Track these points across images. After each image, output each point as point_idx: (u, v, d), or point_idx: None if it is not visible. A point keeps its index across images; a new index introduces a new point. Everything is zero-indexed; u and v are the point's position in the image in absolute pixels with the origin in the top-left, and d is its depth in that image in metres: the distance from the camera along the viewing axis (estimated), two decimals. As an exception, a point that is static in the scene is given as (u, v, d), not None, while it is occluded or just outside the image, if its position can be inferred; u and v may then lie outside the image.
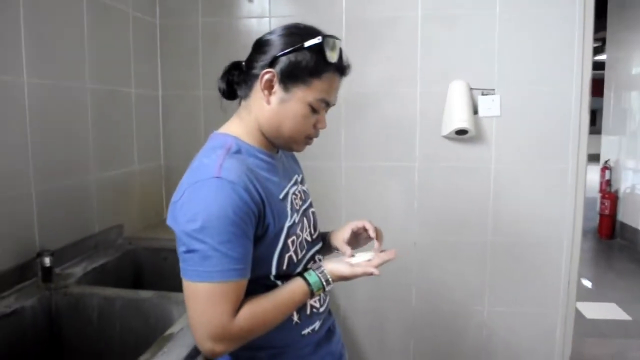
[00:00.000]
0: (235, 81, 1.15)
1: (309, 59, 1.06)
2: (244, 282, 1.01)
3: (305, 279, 1.10)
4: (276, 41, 1.09)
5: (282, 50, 1.07)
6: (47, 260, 1.48)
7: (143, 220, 2.26)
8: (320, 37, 1.07)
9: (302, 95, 1.08)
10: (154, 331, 1.37)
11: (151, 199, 2.33)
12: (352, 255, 1.19)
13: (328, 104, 1.13)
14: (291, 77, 1.07)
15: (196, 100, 2.39)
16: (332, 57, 1.08)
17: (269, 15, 2.31)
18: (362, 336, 2.43)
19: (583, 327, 3.73)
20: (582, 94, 2.16)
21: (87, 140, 1.88)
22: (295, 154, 1.35)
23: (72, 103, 1.80)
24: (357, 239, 1.32)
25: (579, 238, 2.26)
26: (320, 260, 1.27)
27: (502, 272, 2.31)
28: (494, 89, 2.20)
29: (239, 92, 1.16)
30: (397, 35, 2.24)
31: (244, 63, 1.15)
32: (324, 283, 1.11)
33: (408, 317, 2.39)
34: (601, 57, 7.33)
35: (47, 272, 1.50)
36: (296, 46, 1.06)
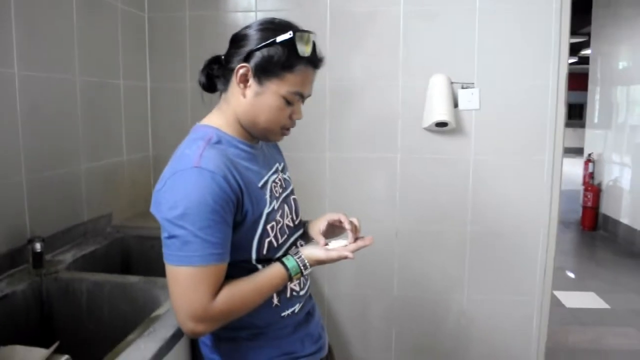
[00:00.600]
0: (215, 74, 1.20)
1: (281, 54, 1.11)
2: (223, 266, 1.06)
3: (283, 263, 1.15)
4: (251, 36, 1.14)
5: (256, 45, 1.11)
6: (38, 246, 1.53)
7: (131, 209, 2.31)
8: (291, 32, 1.11)
9: (275, 89, 1.13)
10: (142, 314, 1.43)
11: (139, 189, 2.37)
12: (327, 244, 1.24)
13: (302, 96, 1.18)
14: (265, 71, 1.12)
15: (183, 92, 2.44)
16: (305, 51, 1.12)
17: (255, 9, 2.36)
18: (345, 323, 2.50)
19: (563, 315, 3.84)
20: (558, 87, 2.23)
21: (76, 130, 1.92)
22: (280, 144, 1.41)
23: (62, 94, 1.84)
24: (333, 230, 1.38)
25: (555, 228, 2.33)
26: (301, 245, 1.33)
27: (481, 261, 2.38)
28: (473, 83, 2.26)
29: (219, 86, 1.21)
30: (380, 30, 2.29)
31: (223, 57, 1.20)
32: (302, 268, 1.16)
33: (390, 305, 2.46)
34: (587, 52, 7.43)
35: (38, 258, 1.55)
36: (269, 41, 1.11)
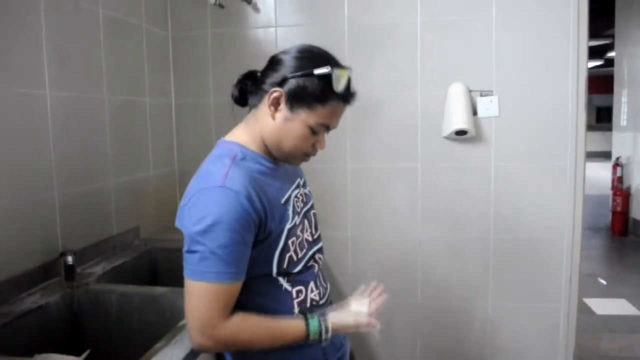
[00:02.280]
0: (248, 90, 1.23)
1: (315, 86, 1.13)
2: (236, 286, 1.10)
3: (307, 320, 1.19)
4: (288, 62, 1.16)
5: (292, 73, 1.14)
6: (69, 259, 1.59)
7: (158, 222, 2.37)
8: (329, 67, 1.13)
9: (304, 118, 1.16)
10: (169, 323, 1.48)
11: (166, 203, 2.44)
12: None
13: (328, 128, 1.21)
14: (297, 99, 1.14)
15: (207, 108, 2.50)
16: (339, 87, 1.14)
17: (275, 25, 2.42)
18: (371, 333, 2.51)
19: (593, 323, 3.78)
20: (578, 91, 2.22)
21: (105, 147, 1.99)
22: None
23: (91, 113, 1.92)
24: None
25: (579, 233, 2.31)
26: (320, 259, 1.36)
27: (505, 268, 2.37)
28: (492, 90, 2.27)
29: (250, 101, 1.24)
30: (398, 41, 2.33)
31: (259, 73, 1.23)
32: (322, 331, 1.19)
33: (414, 313, 2.47)
34: (612, 54, 7.32)
35: (70, 271, 1.61)
36: (306, 71, 1.13)
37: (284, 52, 1.20)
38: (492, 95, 2.27)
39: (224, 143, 1.24)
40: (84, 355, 1.07)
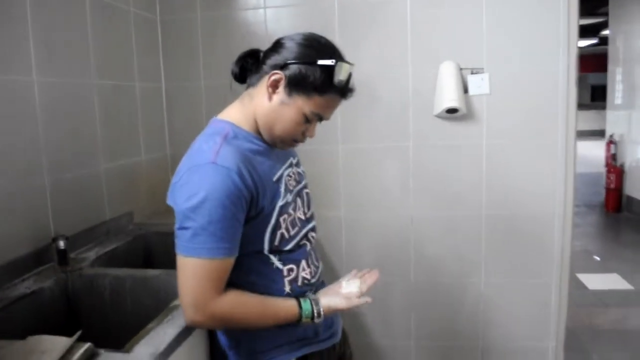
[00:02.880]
0: (249, 68, 1.24)
1: (317, 76, 1.14)
2: (229, 261, 1.12)
3: (299, 303, 1.21)
4: (293, 48, 1.17)
5: (296, 59, 1.15)
6: (61, 244, 1.60)
7: (151, 207, 2.38)
8: (333, 60, 1.14)
9: (301, 105, 1.17)
10: (163, 304, 1.48)
11: (158, 187, 2.44)
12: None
13: (322, 119, 1.22)
14: (296, 85, 1.15)
15: (198, 91, 2.49)
16: (340, 81, 1.15)
17: (264, 6, 2.40)
18: (365, 311, 2.54)
19: (586, 297, 3.83)
20: (569, 69, 2.22)
21: (95, 132, 1.99)
22: None
23: (80, 98, 1.91)
24: None
25: (571, 210, 2.32)
26: (313, 237, 1.37)
27: (497, 245, 2.39)
28: (483, 68, 2.27)
29: (249, 79, 1.25)
30: (388, 20, 2.31)
31: (261, 53, 1.24)
32: (315, 314, 1.22)
33: (408, 291, 2.49)
34: (607, 33, 7.30)
35: (63, 256, 1.61)
36: (310, 60, 1.14)
37: (289, 37, 1.20)
38: (483, 73, 2.27)
39: (216, 122, 1.24)
40: (76, 335, 1.08)
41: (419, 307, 2.50)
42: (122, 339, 1.18)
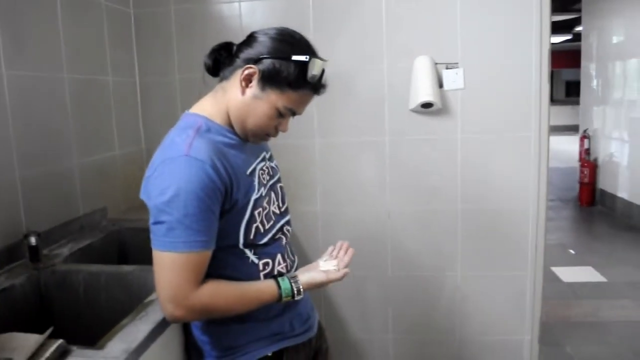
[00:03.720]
0: (222, 61, 1.23)
1: (291, 71, 1.14)
2: (206, 254, 1.11)
3: (277, 282, 1.20)
4: (267, 42, 1.16)
5: (270, 54, 1.14)
6: (33, 240, 1.57)
7: (126, 202, 2.35)
8: (307, 57, 1.14)
9: (274, 100, 1.16)
10: (137, 300, 1.47)
11: (133, 182, 2.38)
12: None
13: (295, 113, 1.22)
14: (270, 80, 1.15)
15: (173, 85, 2.47)
16: (314, 77, 1.15)
17: (238, 0, 2.38)
18: (342, 305, 2.55)
19: (560, 290, 3.90)
20: (542, 64, 2.25)
21: (68, 127, 1.96)
22: None
23: (51, 93, 1.87)
24: None
25: (544, 203, 2.36)
26: (289, 231, 1.37)
27: (473, 238, 2.42)
28: (457, 63, 2.29)
29: (221, 72, 1.24)
30: (363, 14, 2.31)
31: (234, 46, 1.23)
32: (295, 292, 1.22)
33: (385, 285, 2.50)
34: (580, 29, 7.41)
35: (35, 252, 1.59)
36: (283, 55, 1.14)
37: (263, 32, 1.20)
38: (457, 67, 2.29)
39: (189, 115, 1.23)
40: (47, 332, 1.07)
41: (396, 301, 2.51)
42: (96, 336, 1.17)
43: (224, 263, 1.19)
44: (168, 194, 1.06)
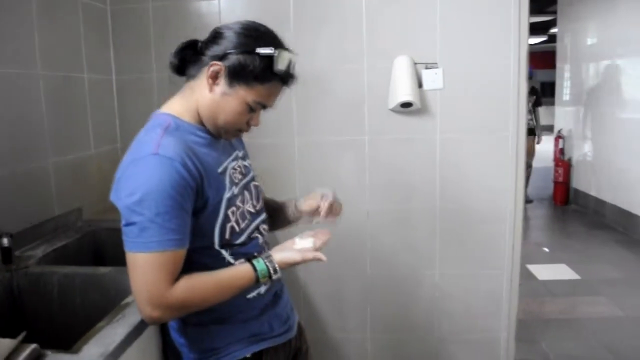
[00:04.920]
0: (188, 59, 1.21)
1: (257, 65, 1.13)
2: (181, 252, 1.09)
3: (252, 265, 1.17)
4: (231, 37, 1.15)
5: (235, 49, 1.13)
6: (5, 241, 1.53)
7: (102, 202, 2.30)
8: (272, 49, 1.13)
9: (243, 95, 1.15)
10: (114, 303, 1.44)
11: (109, 182, 2.34)
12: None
13: (265, 107, 1.21)
14: (237, 75, 1.14)
15: (149, 83, 2.43)
16: (281, 69, 1.14)
17: (217, -3, 2.36)
18: (322, 305, 2.54)
19: (535, 288, 3.95)
20: (520, 65, 2.27)
21: (42, 126, 1.91)
22: (249, 131, 1.44)
23: (25, 90, 1.83)
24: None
25: (522, 202, 2.38)
26: (265, 230, 1.36)
27: (451, 237, 2.43)
28: (436, 63, 2.30)
29: (188, 71, 1.22)
30: (344, 13, 2.31)
31: (200, 44, 1.20)
32: (271, 271, 1.18)
33: (364, 284, 2.50)
34: (555, 31, 7.52)
35: (7, 254, 1.55)
36: (248, 49, 1.13)
37: (227, 27, 1.18)
38: (436, 67, 2.30)
39: (157, 115, 1.22)
40: (20, 337, 1.04)
41: (375, 298, 2.52)
42: (72, 340, 1.14)
43: (200, 265, 1.16)
44: (138, 194, 1.04)
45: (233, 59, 1.13)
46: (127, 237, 1.06)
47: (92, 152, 2.26)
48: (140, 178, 1.05)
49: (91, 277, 1.54)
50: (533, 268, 4.32)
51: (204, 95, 1.17)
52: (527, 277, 4.09)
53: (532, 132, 6.20)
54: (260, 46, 1.13)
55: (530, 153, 6.19)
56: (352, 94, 2.35)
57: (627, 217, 5.37)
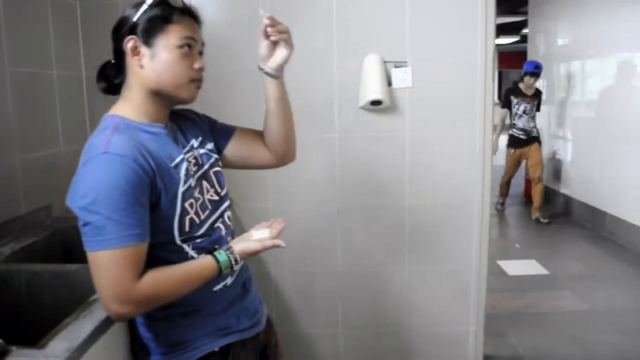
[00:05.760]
0: (112, 75, 1.25)
1: (156, 12, 1.17)
2: (142, 247, 1.10)
3: (215, 257, 1.19)
4: (126, 14, 1.20)
5: (132, 14, 1.18)
6: (-30, 239, 1.52)
7: (72, 200, 2.29)
8: None
9: (165, 43, 1.18)
10: (82, 299, 1.44)
11: (80, 179, 2.36)
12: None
13: (195, 41, 1.22)
14: (148, 33, 1.17)
15: (120, 80, 2.42)
16: (176, 1, 1.19)
17: (188, -7, 2.35)
18: (293, 301, 2.56)
19: (505, 283, 4.03)
20: (486, 64, 2.32)
21: (8, 122, 1.89)
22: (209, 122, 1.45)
23: (-9, 86, 1.81)
24: (273, 46, 1.45)
25: (488, 199, 2.44)
26: (229, 218, 1.37)
27: (420, 233, 2.47)
28: (406, 62, 2.34)
29: (117, 81, 1.25)
30: (314, 12, 2.33)
31: (112, 60, 1.25)
32: (232, 262, 1.20)
33: (335, 280, 2.53)
34: (526, 31, 7.65)
35: (-27, 252, 1.54)
36: (142, 8, 1.17)
37: (121, 16, 1.23)
38: (406, 66, 2.34)
39: (107, 117, 1.23)
40: (-15, 334, 1.04)
41: (346, 294, 2.55)
42: (40, 337, 1.14)
43: (163, 262, 1.17)
44: (92, 194, 1.04)
45: (137, 26, 1.17)
46: (86, 237, 1.07)
47: (62, 149, 2.24)
48: (93, 178, 1.06)
49: (60, 274, 1.54)
50: (504, 264, 4.40)
51: (140, 76, 1.19)
52: (497, 272, 4.18)
53: (536, 140, 5.96)
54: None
55: (537, 164, 5.92)
56: (322, 92, 2.38)
57: (593, 213, 5.50)
